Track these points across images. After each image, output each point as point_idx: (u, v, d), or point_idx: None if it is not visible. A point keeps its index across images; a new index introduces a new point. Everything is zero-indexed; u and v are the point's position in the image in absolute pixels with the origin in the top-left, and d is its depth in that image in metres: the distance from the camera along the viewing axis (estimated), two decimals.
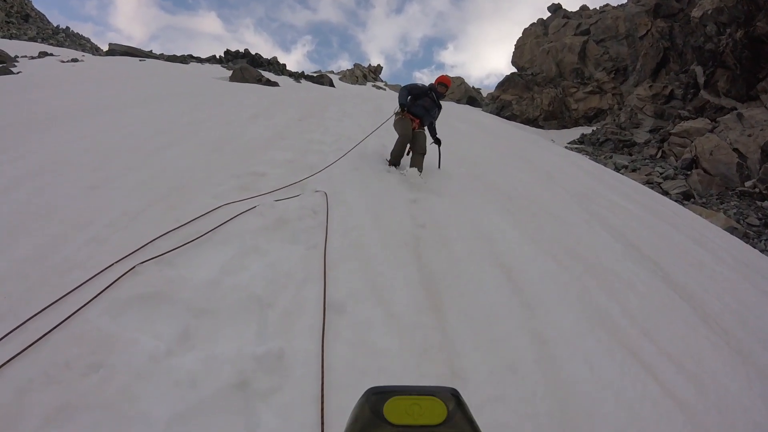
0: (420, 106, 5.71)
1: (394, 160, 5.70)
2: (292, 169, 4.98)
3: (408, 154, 5.70)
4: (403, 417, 0.43)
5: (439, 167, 6.03)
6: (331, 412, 1.90)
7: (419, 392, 0.46)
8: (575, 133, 35.26)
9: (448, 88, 5.91)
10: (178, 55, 31.57)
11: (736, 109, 23.29)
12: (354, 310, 2.64)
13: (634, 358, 2.66)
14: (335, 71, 61.58)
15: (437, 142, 6.08)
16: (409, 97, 5.72)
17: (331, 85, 31.07)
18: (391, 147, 5.79)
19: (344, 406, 1.91)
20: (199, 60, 32.27)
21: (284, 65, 35.07)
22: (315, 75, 36.35)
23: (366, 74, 60.13)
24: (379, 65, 63.89)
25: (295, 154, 5.64)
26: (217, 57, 34.86)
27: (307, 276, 2.91)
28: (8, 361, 1.86)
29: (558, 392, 2.26)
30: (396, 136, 5.70)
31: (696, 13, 28.04)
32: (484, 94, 54.83)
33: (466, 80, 54.90)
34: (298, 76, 31.57)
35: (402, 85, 5.82)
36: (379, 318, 2.60)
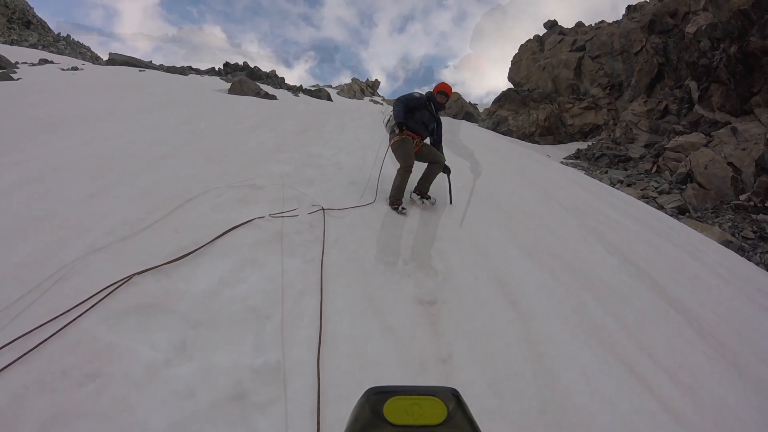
0: (419, 122, 4.81)
1: (397, 198, 4.62)
2: (290, 182, 4.98)
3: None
4: (403, 417, 0.43)
5: (450, 202, 5.11)
6: (328, 424, 1.89)
7: (419, 392, 0.46)
8: (571, 148, 35.54)
9: (449, 98, 5.00)
10: (179, 66, 31.81)
11: (730, 123, 23.60)
12: (351, 322, 2.65)
13: (630, 371, 2.67)
14: (332, 86, 62.15)
15: (446, 170, 5.05)
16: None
17: (329, 99, 31.37)
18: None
19: (341, 417, 1.91)
20: (198, 72, 32.52)
21: (282, 78, 35.39)
22: (313, 89, 36.66)
23: (363, 89, 60.74)
24: (376, 80, 64.56)
25: (293, 167, 5.65)
26: (216, 69, 35.14)
27: (305, 289, 2.91)
28: (4, 368, 1.85)
29: (554, 405, 2.26)
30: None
31: (690, 28, 28.53)
32: (481, 110, 55.32)
33: (466, 98, 55.44)
34: (296, 90, 31.90)
35: (396, 98, 4.89)
36: (376, 331, 2.60)
